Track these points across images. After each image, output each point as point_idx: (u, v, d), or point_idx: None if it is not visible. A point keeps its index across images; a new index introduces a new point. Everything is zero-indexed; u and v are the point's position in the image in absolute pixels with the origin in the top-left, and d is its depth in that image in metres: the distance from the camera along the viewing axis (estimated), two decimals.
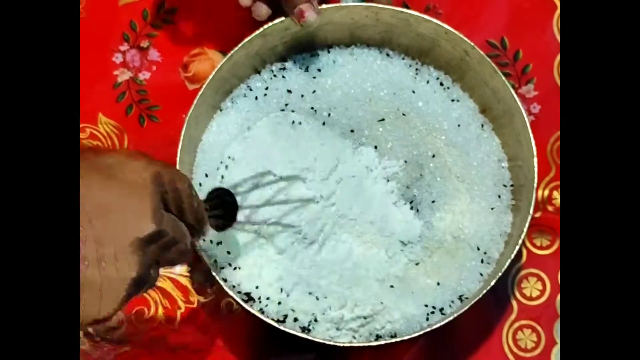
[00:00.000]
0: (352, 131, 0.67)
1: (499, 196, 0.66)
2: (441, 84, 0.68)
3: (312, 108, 0.67)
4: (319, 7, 0.64)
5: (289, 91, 0.68)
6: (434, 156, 0.67)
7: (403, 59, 0.69)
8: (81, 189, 0.44)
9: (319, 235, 0.64)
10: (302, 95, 0.68)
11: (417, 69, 0.69)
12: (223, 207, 0.57)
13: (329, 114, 0.67)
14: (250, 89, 0.68)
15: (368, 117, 0.67)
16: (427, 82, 0.68)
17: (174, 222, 0.49)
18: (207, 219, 0.54)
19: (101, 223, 0.44)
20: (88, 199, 0.44)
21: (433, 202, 0.66)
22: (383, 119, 0.67)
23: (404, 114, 0.67)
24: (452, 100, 0.68)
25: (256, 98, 0.68)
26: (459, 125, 0.67)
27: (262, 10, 0.65)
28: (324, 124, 0.67)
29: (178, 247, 0.49)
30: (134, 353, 0.68)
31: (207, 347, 0.68)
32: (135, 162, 0.48)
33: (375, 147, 0.67)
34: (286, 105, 0.67)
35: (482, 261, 0.65)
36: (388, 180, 0.67)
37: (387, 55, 0.69)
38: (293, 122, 0.66)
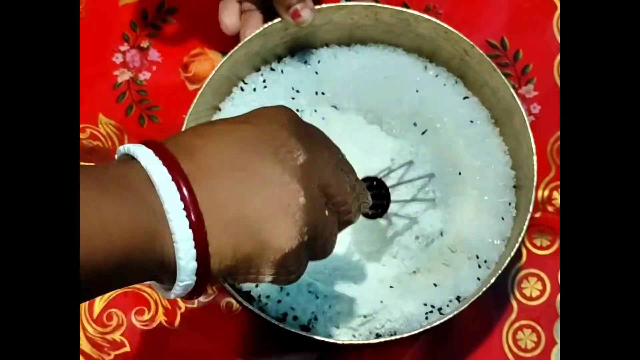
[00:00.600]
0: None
1: (500, 196, 0.66)
2: (444, 85, 0.68)
3: (322, 93, 0.67)
4: (315, 6, 0.64)
5: (293, 88, 0.68)
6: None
7: (408, 53, 0.69)
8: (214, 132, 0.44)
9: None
10: (306, 88, 0.68)
11: (425, 66, 0.68)
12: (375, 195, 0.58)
13: (340, 104, 0.67)
14: (250, 87, 0.68)
15: (384, 105, 0.68)
16: (437, 76, 0.68)
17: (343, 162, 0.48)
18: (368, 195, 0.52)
19: (240, 153, 0.43)
20: (219, 138, 0.44)
21: (434, 200, 0.66)
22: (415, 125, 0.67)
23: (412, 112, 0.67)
24: (463, 99, 0.68)
25: (254, 90, 0.68)
26: (471, 121, 0.67)
27: (229, 23, 0.65)
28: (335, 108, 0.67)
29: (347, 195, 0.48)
30: (134, 353, 0.68)
31: (207, 347, 0.68)
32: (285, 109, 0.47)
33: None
34: (292, 98, 0.67)
35: (481, 261, 0.65)
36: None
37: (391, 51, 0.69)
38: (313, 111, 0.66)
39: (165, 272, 0.42)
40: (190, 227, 0.41)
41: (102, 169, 0.43)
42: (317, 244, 0.46)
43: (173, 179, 0.41)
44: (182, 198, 0.41)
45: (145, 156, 0.42)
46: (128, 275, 0.42)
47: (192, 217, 0.41)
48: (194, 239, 0.41)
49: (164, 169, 0.41)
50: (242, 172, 0.43)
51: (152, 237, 0.41)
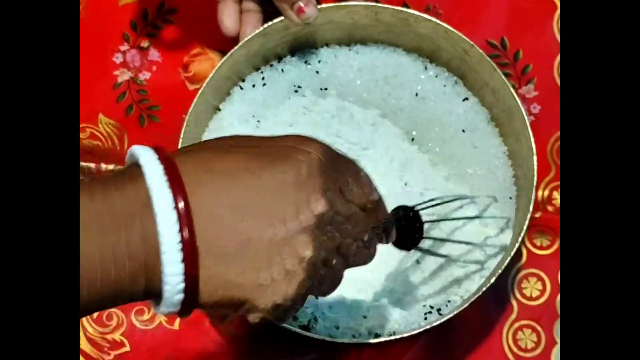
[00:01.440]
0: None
1: (500, 197, 0.66)
2: (444, 85, 0.68)
3: (325, 88, 0.67)
4: (318, 6, 0.64)
5: (295, 85, 0.68)
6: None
7: (408, 53, 0.69)
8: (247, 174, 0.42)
9: None
10: (307, 85, 0.68)
11: (425, 66, 0.68)
12: (407, 224, 0.55)
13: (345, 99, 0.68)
14: (250, 85, 0.68)
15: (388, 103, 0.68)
16: (436, 76, 0.68)
17: (348, 206, 0.44)
18: (393, 226, 0.50)
19: (270, 203, 0.42)
20: (254, 185, 0.42)
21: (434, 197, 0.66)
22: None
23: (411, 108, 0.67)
24: (463, 100, 0.68)
25: (254, 87, 0.68)
26: (471, 121, 0.67)
27: (229, 24, 0.65)
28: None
29: (356, 236, 0.45)
30: (134, 353, 0.68)
31: (207, 347, 0.68)
32: (308, 144, 0.44)
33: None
34: (295, 91, 0.68)
35: (481, 261, 0.65)
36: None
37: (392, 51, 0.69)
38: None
39: (153, 295, 0.42)
40: (183, 260, 0.40)
41: (103, 200, 0.40)
42: (319, 289, 0.45)
43: (175, 207, 0.40)
44: (180, 230, 0.40)
45: (153, 179, 0.40)
46: (119, 299, 0.41)
47: (186, 251, 0.40)
48: (185, 276, 0.40)
49: (170, 196, 0.40)
50: (250, 216, 0.41)
51: (145, 270, 0.40)
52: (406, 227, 0.55)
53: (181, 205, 0.40)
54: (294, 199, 0.42)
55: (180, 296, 0.41)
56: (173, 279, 0.40)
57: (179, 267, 0.40)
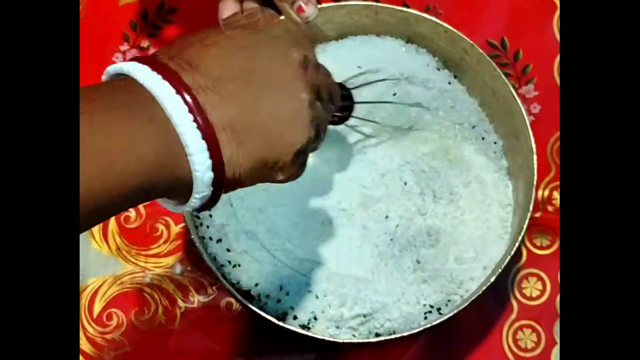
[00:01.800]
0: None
1: (500, 197, 0.66)
2: (449, 83, 0.68)
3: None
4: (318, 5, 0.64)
5: None
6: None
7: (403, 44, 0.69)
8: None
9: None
10: None
11: (427, 63, 0.68)
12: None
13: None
14: None
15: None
16: (438, 69, 0.68)
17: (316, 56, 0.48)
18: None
19: (244, 59, 0.43)
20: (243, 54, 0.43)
21: (434, 197, 0.66)
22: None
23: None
24: (459, 94, 0.68)
25: None
26: (471, 121, 0.67)
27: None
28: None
29: (327, 81, 0.48)
30: (134, 353, 0.68)
31: (207, 347, 0.68)
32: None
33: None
34: None
35: (481, 260, 0.65)
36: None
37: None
38: None
39: (179, 187, 0.42)
40: (203, 138, 0.40)
41: (107, 89, 0.41)
42: (317, 138, 0.47)
43: (177, 92, 0.40)
44: (190, 110, 0.40)
45: (143, 73, 0.41)
46: (142, 195, 0.41)
47: (203, 127, 0.40)
48: (208, 150, 0.41)
49: (166, 83, 0.41)
50: (246, 77, 0.43)
51: (164, 154, 0.40)
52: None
53: (182, 89, 0.41)
54: (278, 51, 0.44)
55: (210, 175, 0.41)
56: (199, 156, 0.41)
57: (201, 145, 0.41)
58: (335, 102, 0.50)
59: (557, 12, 0.72)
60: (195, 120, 0.41)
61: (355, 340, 0.62)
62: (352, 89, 0.61)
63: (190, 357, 0.68)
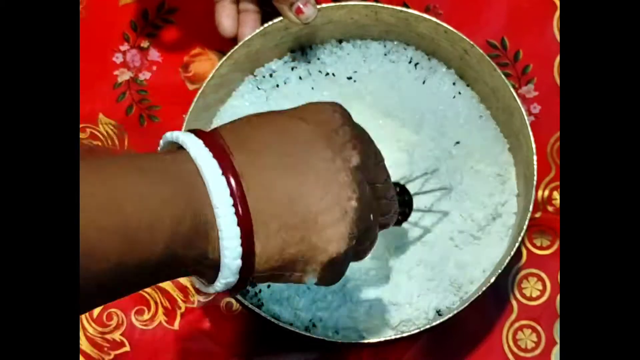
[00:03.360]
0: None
1: (501, 197, 0.66)
2: (453, 84, 0.68)
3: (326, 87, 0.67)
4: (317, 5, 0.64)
5: (296, 84, 0.68)
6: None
7: (405, 49, 0.69)
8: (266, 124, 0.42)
9: None
10: (313, 88, 0.68)
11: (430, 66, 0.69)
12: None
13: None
14: (250, 85, 0.68)
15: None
16: (436, 71, 0.68)
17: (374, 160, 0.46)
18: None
19: (297, 150, 0.42)
20: (273, 131, 0.42)
21: (448, 213, 0.66)
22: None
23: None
24: (460, 93, 0.68)
25: (254, 87, 0.68)
26: (470, 120, 0.67)
27: (227, 25, 0.65)
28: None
29: (382, 193, 0.46)
30: (134, 353, 0.68)
31: (206, 347, 0.68)
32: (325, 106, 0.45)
33: None
34: (297, 91, 0.68)
35: (481, 262, 0.65)
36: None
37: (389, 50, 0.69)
38: None
39: (207, 267, 0.41)
40: (238, 224, 0.40)
41: (147, 157, 0.41)
42: (361, 248, 0.45)
43: (223, 173, 0.40)
44: (232, 194, 0.40)
45: (195, 147, 0.40)
46: (168, 269, 0.40)
47: (241, 214, 0.40)
48: (241, 237, 0.40)
49: (215, 162, 0.40)
50: (296, 168, 0.42)
51: (196, 232, 0.39)
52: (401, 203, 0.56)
53: (229, 172, 0.40)
54: (328, 147, 0.42)
55: (238, 263, 0.40)
56: (230, 242, 0.40)
57: (235, 231, 0.40)
58: (392, 209, 0.48)
59: (557, 12, 0.72)
60: (234, 205, 0.40)
61: (355, 341, 0.62)
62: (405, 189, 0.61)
63: (190, 357, 0.68)
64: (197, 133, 0.41)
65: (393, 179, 0.49)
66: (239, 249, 0.40)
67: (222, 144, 0.41)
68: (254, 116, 0.44)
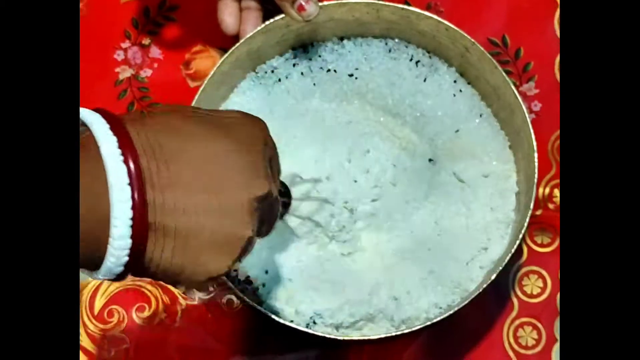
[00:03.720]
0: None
1: (501, 194, 0.66)
2: (454, 82, 0.68)
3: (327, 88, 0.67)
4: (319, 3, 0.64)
5: (296, 83, 0.68)
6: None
7: (406, 47, 0.69)
8: (189, 137, 0.42)
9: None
10: (314, 84, 0.68)
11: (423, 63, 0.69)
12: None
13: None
14: (252, 83, 0.68)
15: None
16: (436, 69, 0.68)
17: (276, 184, 0.47)
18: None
19: (211, 170, 0.42)
20: (196, 147, 0.42)
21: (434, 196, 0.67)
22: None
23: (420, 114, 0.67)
24: (460, 91, 0.68)
25: (255, 84, 0.68)
26: (471, 118, 0.67)
27: (229, 22, 0.65)
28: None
29: (275, 210, 0.47)
30: (134, 350, 0.68)
31: (207, 344, 0.68)
32: (249, 122, 0.46)
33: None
34: (298, 90, 0.68)
35: (481, 259, 0.65)
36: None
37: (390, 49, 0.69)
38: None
39: (90, 262, 0.41)
40: (131, 237, 0.40)
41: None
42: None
43: (130, 184, 0.40)
44: (133, 207, 0.40)
45: (108, 148, 0.41)
46: None
47: (136, 226, 0.40)
48: (130, 251, 0.40)
49: (123, 167, 0.40)
50: (205, 194, 0.42)
51: (89, 235, 0.40)
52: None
53: (135, 181, 0.40)
54: (239, 172, 0.43)
55: (121, 269, 0.41)
56: (119, 252, 0.40)
57: (127, 242, 0.40)
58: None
59: (558, 10, 0.72)
60: (133, 218, 0.40)
61: (356, 338, 0.62)
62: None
63: (191, 354, 0.68)
64: (115, 128, 0.42)
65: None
66: (125, 259, 0.41)
67: (136, 150, 0.41)
68: (176, 115, 0.45)
